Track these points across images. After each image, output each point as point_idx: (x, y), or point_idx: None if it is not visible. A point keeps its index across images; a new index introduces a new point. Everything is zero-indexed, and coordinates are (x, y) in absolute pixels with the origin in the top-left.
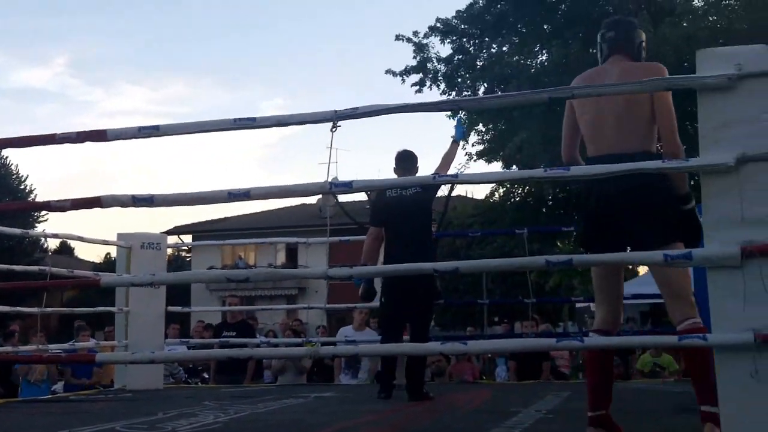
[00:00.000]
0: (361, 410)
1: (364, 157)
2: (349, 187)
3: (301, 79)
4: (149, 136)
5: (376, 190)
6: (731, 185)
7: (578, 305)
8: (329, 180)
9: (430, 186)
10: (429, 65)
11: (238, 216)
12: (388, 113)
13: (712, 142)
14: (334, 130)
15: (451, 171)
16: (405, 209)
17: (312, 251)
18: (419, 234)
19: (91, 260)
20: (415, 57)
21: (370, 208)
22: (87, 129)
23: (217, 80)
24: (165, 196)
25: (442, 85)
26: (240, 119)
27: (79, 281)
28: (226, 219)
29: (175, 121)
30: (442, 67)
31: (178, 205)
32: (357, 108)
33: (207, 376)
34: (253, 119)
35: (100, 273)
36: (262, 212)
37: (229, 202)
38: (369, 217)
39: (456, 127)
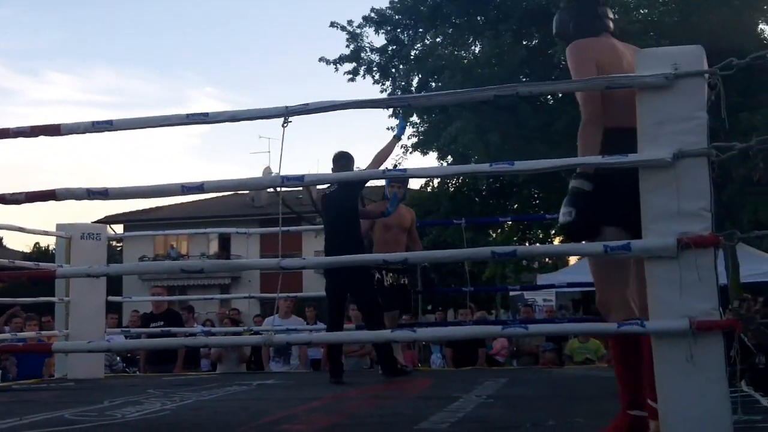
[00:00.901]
0: (306, 397)
1: (299, 147)
2: (301, 180)
3: (231, 67)
4: (103, 130)
5: (326, 184)
6: (668, 180)
7: (512, 293)
8: (281, 174)
9: (352, 184)
10: (363, 55)
11: (171, 205)
12: (338, 109)
13: (651, 138)
14: (285, 125)
15: (389, 164)
16: (330, 206)
17: (245, 241)
18: (342, 229)
19: (21, 249)
20: (348, 46)
21: None
22: (40, 123)
23: (145, 69)
24: (119, 189)
25: (376, 75)
26: (193, 114)
27: (36, 272)
28: (158, 208)
29: (105, 110)
30: (376, 57)
31: (133, 198)
32: (308, 104)
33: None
34: (206, 114)
35: (42, 264)
36: (194, 201)
37: (183, 195)
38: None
39: (399, 123)
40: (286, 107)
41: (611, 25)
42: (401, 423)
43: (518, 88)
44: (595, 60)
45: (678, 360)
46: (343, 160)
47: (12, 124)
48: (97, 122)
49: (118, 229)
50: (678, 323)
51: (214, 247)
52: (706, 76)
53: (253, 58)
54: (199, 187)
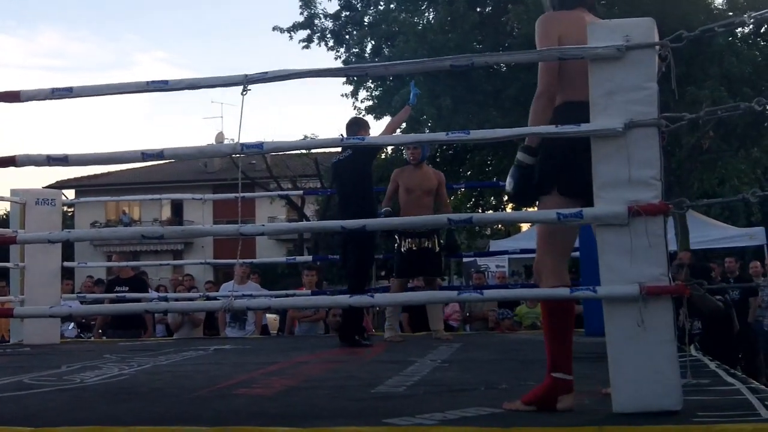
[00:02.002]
0: (263, 362)
1: (248, 111)
2: (260, 148)
3: (182, 33)
4: (62, 97)
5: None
6: (619, 149)
7: (465, 260)
8: (240, 142)
9: (365, 150)
10: (317, 22)
11: (122, 170)
12: (297, 78)
13: (602, 108)
14: (244, 93)
15: None
16: (343, 172)
17: (198, 207)
18: (356, 194)
19: None
20: (302, 13)
21: None
22: None
23: (91, 31)
24: (79, 156)
25: (330, 42)
26: (153, 82)
27: None
28: (109, 173)
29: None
30: (330, 24)
31: (92, 164)
32: (267, 72)
33: (101, 332)
34: (166, 82)
35: (1, 230)
36: (146, 167)
37: (143, 162)
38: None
39: (411, 91)
40: (246, 75)
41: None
42: (358, 386)
43: (474, 58)
44: (558, 33)
45: (628, 324)
46: (354, 126)
47: None
48: (57, 89)
49: (70, 194)
50: (628, 289)
51: (166, 212)
52: (657, 48)
53: (206, 24)
54: (159, 154)
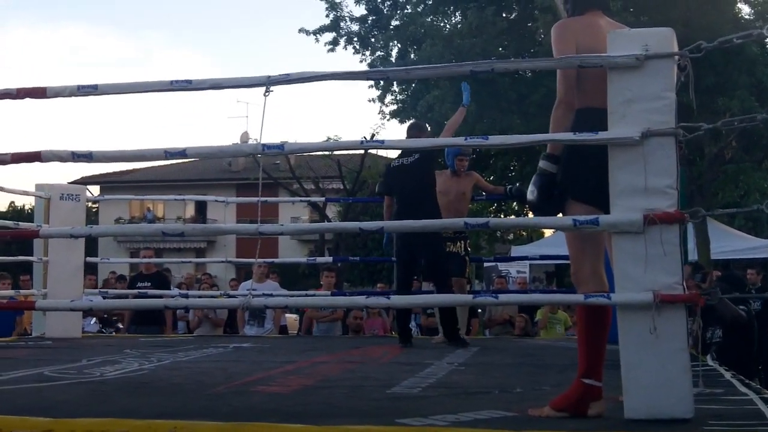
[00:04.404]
0: (281, 360)
1: (273, 112)
2: (281, 149)
3: (209, 34)
4: (88, 94)
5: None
6: (636, 158)
7: (486, 264)
8: (261, 142)
9: (431, 155)
10: (342, 25)
11: (147, 168)
12: (318, 80)
13: (620, 117)
14: (266, 94)
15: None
16: (409, 176)
17: (221, 206)
18: (421, 198)
19: None
20: (328, 16)
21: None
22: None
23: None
24: (104, 152)
25: (356, 45)
26: (177, 81)
27: (20, 232)
28: (134, 170)
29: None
30: (356, 27)
31: (117, 161)
32: (289, 74)
33: (121, 327)
34: (190, 81)
35: (21, 224)
36: (171, 164)
37: (166, 160)
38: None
39: (464, 91)
40: (268, 77)
41: (605, 1)
42: (374, 386)
43: (495, 64)
44: (575, 40)
45: (642, 331)
46: (415, 129)
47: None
48: (83, 86)
49: (94, 190)
50: (642, 296)
51: (190, 211)
52: (676, 58)
53: (232, 24)
54: (182, 153)
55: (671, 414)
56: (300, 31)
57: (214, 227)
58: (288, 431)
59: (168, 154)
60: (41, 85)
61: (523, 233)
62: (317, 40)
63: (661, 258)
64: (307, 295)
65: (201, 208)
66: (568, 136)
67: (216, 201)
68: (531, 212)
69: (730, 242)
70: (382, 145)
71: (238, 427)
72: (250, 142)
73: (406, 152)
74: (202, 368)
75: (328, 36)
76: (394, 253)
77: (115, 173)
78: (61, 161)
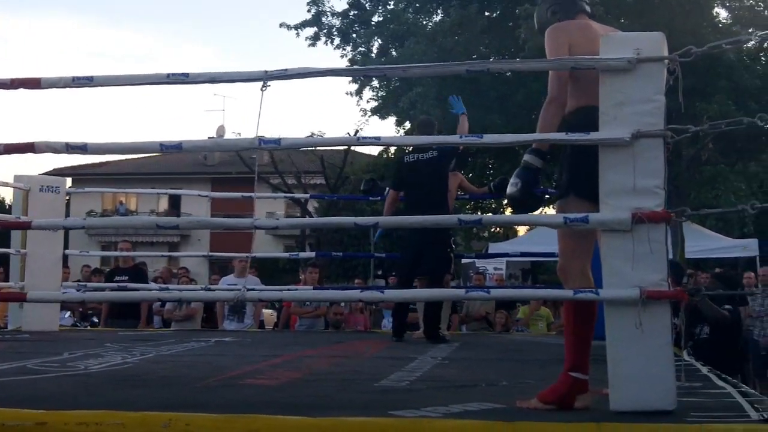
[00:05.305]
0: (266, 354)
1: (248, 106)
2: (277, 144)
3: (191, 28)
4: (83, 86)
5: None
6: (626, 158)
7: (463, 261)
8: (258, 136)
9: (446, 151)
10: (324, 19)
11: (119, 160)
12: (316, 76)
13: (611, 118)
14: (264, 89)
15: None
16: (420, 173)
17: (195, 199)
18: (433, 196)
19: None
20: (309, 11)
21: (392, 173)
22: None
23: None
24: (98, 144)
25: (337, 40)
26: (173, 74)
27: (11, 223)
28: (106, 163)
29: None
30: (337, 22)
31: (111, 153)
32: (287, 69)
33: (96, 321)
34: (186, 75)
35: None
36: (144, 157)
37: (161, 153)
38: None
39: (454, 103)
40: (266, 71)
41: (587, 7)
42: (362, 380)
43: (489, 65)
44: (568, 42)
45: (628, 326)
46: (428, 126)
47: None
48: (78, 77)
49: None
50: (629, 292)
51: (163, 204)
52: (666, 61)
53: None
54: (178, 146)
55: (655, 406)
56: (281, 25)
57: (207, 220)
58: (285, 423)
59: (164, 147)
60: (36, 76)
61: (499, 231)
62: (298, 34)
63: (648, 255)
64: (297, 290)
65: (175, 202)
66: (561, 135)
67: (199, 195)
68: (510, 206)
69: (703, 242)
70: (378, 141)
71: (234, 419)
72: (227, 136)
73: (420, 148)
74: (187, 362)
75: (310, 31)
76: (382, 249)
77: (87, 165)
78: (55, 153)
